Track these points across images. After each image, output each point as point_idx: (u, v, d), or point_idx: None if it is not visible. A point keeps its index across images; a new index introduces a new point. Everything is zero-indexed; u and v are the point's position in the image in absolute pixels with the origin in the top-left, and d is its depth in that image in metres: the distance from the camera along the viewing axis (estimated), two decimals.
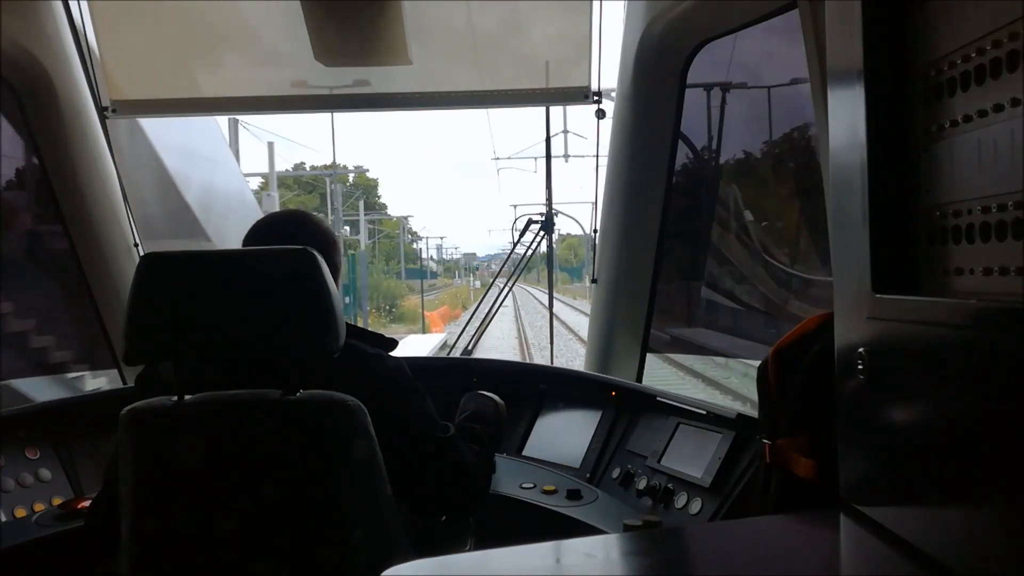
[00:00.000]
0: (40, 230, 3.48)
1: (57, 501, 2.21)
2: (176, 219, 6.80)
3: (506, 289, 3.65)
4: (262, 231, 1.86)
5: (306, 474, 1.55)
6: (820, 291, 3.24)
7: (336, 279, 1.76)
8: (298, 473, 1.55)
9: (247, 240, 1.85)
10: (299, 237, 1.77)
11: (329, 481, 1.55)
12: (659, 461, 2.17)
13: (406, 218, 66.69)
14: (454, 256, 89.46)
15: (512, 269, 3.76)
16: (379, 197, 64.87)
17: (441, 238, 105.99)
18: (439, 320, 27.71)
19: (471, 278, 65.52)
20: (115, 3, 2.87)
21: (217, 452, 1.54)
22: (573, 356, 14.12)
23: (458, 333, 3.80)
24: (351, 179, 59.34)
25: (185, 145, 7.25)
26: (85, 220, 2.95)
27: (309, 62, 2.93)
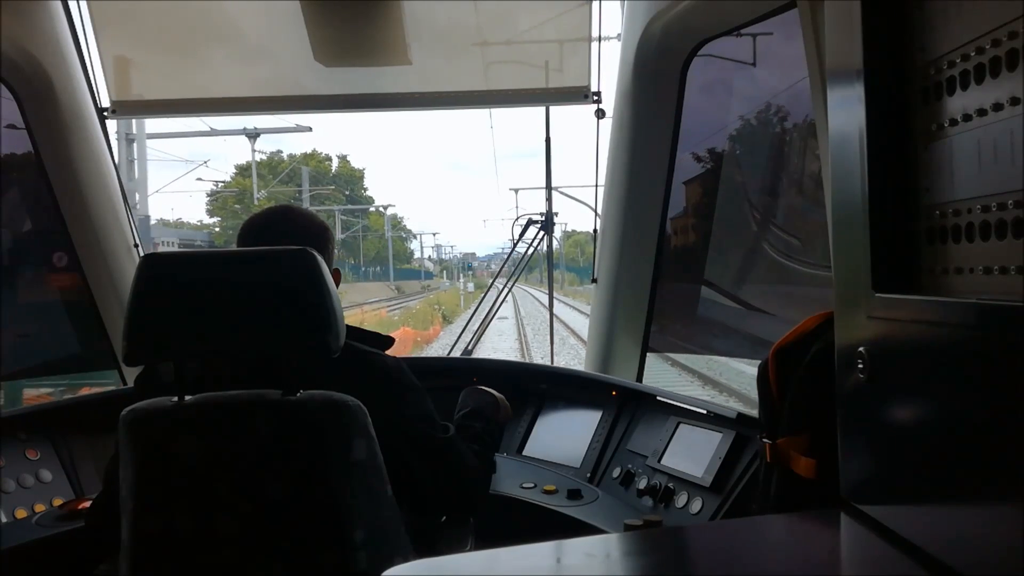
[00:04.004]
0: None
1: (57, 502, 2.21)
2: None
3: (505, 290, 3.63)
4: (253, 230, 1.86)
5: (306, 474, 1.55)
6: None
7: (329, 267, 1.75)
8: (298, 473, 1.55)
9: (240, 240, 1.85)
10: (290, 233, 1.77)
11: (329, 481, 1.55)
12: (659, 461, 2.17)
13: (386, 208, 63.32)
14: (450, 256, 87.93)
15: (512, 270, 3.75)
16: (365, 190, 61.91)
17: (434, 234, 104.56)
18: None
19: (462, 280, 57.52)
20: (115, 3, 2.87)
21: (217, 453, 1.54)
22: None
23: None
24: (334, 168, 57.16)
25: None
26: (85, 220, 2.95)
27: (309, 63, 2.93)
